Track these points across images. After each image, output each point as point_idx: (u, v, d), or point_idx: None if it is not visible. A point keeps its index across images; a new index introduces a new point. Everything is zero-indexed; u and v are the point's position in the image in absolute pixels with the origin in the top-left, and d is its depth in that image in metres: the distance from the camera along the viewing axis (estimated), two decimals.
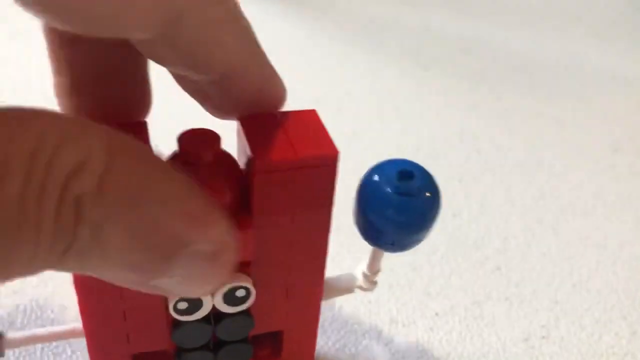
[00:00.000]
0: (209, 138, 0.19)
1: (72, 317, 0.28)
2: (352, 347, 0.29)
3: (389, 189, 0.20)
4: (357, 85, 0.51)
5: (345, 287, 0.25)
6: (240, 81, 0.19)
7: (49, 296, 0.29)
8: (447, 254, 0.35)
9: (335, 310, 0.31)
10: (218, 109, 0.20)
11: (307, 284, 0.22)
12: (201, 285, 0.16)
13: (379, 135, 0.44)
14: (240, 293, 0.20)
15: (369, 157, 0.43)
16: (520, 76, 0.55)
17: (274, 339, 0.24)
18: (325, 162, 0.19)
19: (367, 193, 0.20)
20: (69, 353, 0.27)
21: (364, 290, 0.25)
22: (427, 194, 0.20)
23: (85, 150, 0.13)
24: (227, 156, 0.20)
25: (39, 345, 0.27)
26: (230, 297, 0.20)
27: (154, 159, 0.14)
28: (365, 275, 0.24)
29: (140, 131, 0.19)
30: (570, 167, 0.43)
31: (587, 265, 0.35)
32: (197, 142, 0.19)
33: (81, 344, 0.27)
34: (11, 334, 0.21)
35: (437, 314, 0.31)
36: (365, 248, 0.23)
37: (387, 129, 0.45)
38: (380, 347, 0.29)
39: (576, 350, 0.30)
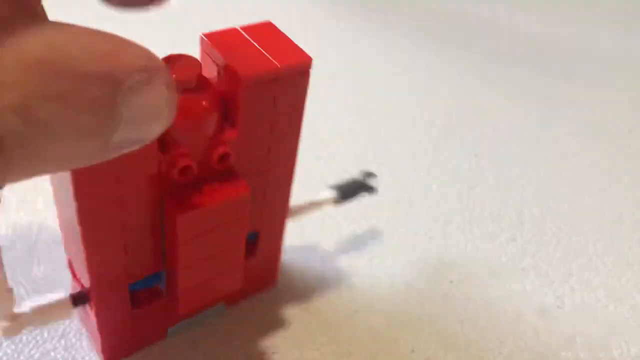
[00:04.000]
0: (191, 64, 0.19)
1: None
2: (367, 310, 0.29)
3: None
4: (373, 61, 0.50)
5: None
6: None
7: None
8: (463, 225, 0.34)
9: (350, 278, 0.31)
10: None
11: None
12: (155, 117, 0.15)
13: (394, 110, 0.44)
14: None
15: (383, 130, 0.43)
16: (535, 57, 0.54)
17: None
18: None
19: None
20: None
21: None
22: None
23: None
24: (203, 78, 0.20)
25: None
26: None
27: (34, 14, 0.14)
28: None
29: None
30: (585, 146, 0.43)
31: (602, 239, 0.35)
32: (180, 68, 0.19)
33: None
34: None
35: (451, 282, 0.31)
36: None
37: (402, 103, 0.45)
38: (397, 313, 0.29)
39: (591, 321, 0.30)
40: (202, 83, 0.19)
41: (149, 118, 0.15)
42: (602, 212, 0.37)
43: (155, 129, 0.16)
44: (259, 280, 0.28)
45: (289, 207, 0.26)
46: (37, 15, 0.15)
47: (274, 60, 0.20)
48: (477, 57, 0.53)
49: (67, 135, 0.13)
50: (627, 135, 0.45)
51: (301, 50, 0.21)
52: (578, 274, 0.32)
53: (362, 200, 0.35)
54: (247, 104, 0.20)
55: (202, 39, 0.20)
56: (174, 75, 0.18)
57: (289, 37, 0.21)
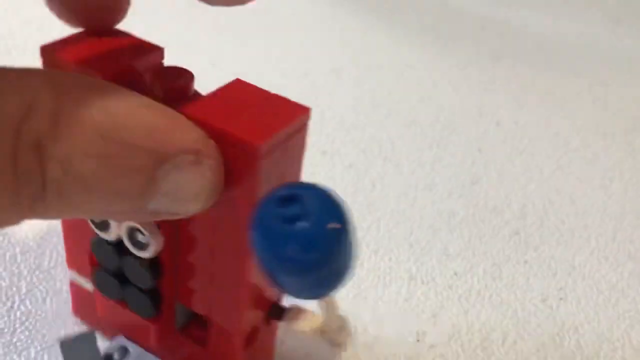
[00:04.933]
0: (184, 75, 0.19)
1: None
2: (371, 300, 0.29)
3: (267, 215, 0.16)
4: (377, 58, 0.51)
5: (301, 326, 0.22)
6: None
7: None
8: (467, 219, 0.35)
9: (355, 269, 0.31)
10: None
11: (231, 280, 0.20)
12: (193, 198, 0.16)
13: (398, 107, 0.45)
14: (142, 237, 0.19)
15: (388, 127, 0.44)
16: (537, 55, 0.55)
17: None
18: (244, 147, 0.16)
19: (252, 222, 0.16)
20: None
21: (330, 344, 0.21)
22: (321, 220, 0.15)
23: (28, 95, 0.13)
24: (197, 93, 0.19)
25: None
26: (132, 236, 0.20)
27: (105, 85, 0.15)
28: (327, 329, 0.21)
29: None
30: (587, 143, 0.43)
31: (604, 234, 0.35)
32: (171, 78, 0.19)
33: None
34: None
35: (456, 274, 0.31)
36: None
37: (406, 100, 0.46)
38: (400, 302, 0.30)
39: (593, 313, 0.30)
40: (191, 98, 0.19)
41: (186, 196, 0.15)
42: (604, 207, 0.37)
43: (192, 207, 0.16)
44: None
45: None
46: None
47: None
48: (481, 54, 0.53)
49: (103, 193, 0.14)
50: (629, 132, 0.45)
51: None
52: (580, 267, 0.33)
53: (368, 195, 0.36)
54: None
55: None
56: (162, 84, 0.18)
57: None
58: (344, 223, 0.15)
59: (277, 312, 0.22)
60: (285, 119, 0.17)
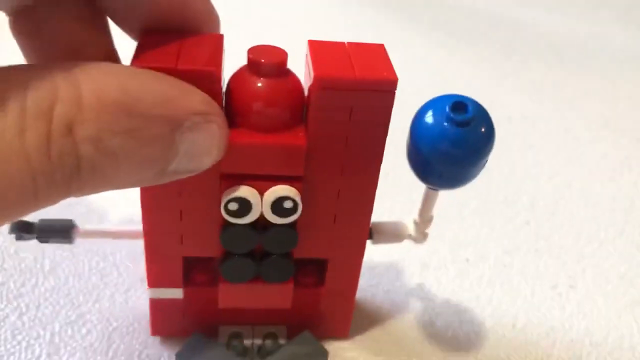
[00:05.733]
0: (276, 53, 0.20)
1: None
2: (385, 285, 0.30)
3: (440, 119, 0.20)
4: (389, 53, 0.51)
5: (393, 233, 0.25)
6: None
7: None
8: (478, 209, 0.36)
9: (370, 255, 0.32)
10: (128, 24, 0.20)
11: (355, 214, 0.23)
12: (207, 153, 0.18)
13: (410, 101, 0.45)
14: (288, 204, 0.21)
15: (401, 121, 0.44)
16: (548, 52, 0.55)
17: (319, 268, 0.25)
18: (383, 87, 0.20)
19: (419, 123, 0.21)
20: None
21: (415, 241, 0.25)
22: (480, 126, 0.20)
23: (51, 85, 0.14)
24: (293, 76, 0.20)
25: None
26: (277, 207, 0.21)
27: (115, 65, 0.16)
28: (415, 224, 0.25)
29: (216, 44, 0.20)
30: (598, 137, 0.44)
31: (613, 225, 0.36)
32: (264, 55, 0.20)
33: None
34: (82, 226, 0.22)
35: (467, 260, 0.32)
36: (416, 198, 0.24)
37: (419, 95, 0.46)
38: (413, 287, 0.30)
39: (602, 300, 0.31)
40: (286, 72, 0.20)
41: (201, 153, 0.18)
42: (613, 200, 0.38)
43: (207, 162, 0.18)
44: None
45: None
46: (114, 58, 0.19)
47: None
48: (493, 51, 0.54)
49: (131, 163, 0.16)
50: (638, 127, 0.46)
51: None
52: (590, 257, 0.33)
53: (381, 185, 0.36)
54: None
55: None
56: (262, 60, 0.19)
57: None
58: (492, 130, 0.20)
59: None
60: (364, 75, 0.20)
